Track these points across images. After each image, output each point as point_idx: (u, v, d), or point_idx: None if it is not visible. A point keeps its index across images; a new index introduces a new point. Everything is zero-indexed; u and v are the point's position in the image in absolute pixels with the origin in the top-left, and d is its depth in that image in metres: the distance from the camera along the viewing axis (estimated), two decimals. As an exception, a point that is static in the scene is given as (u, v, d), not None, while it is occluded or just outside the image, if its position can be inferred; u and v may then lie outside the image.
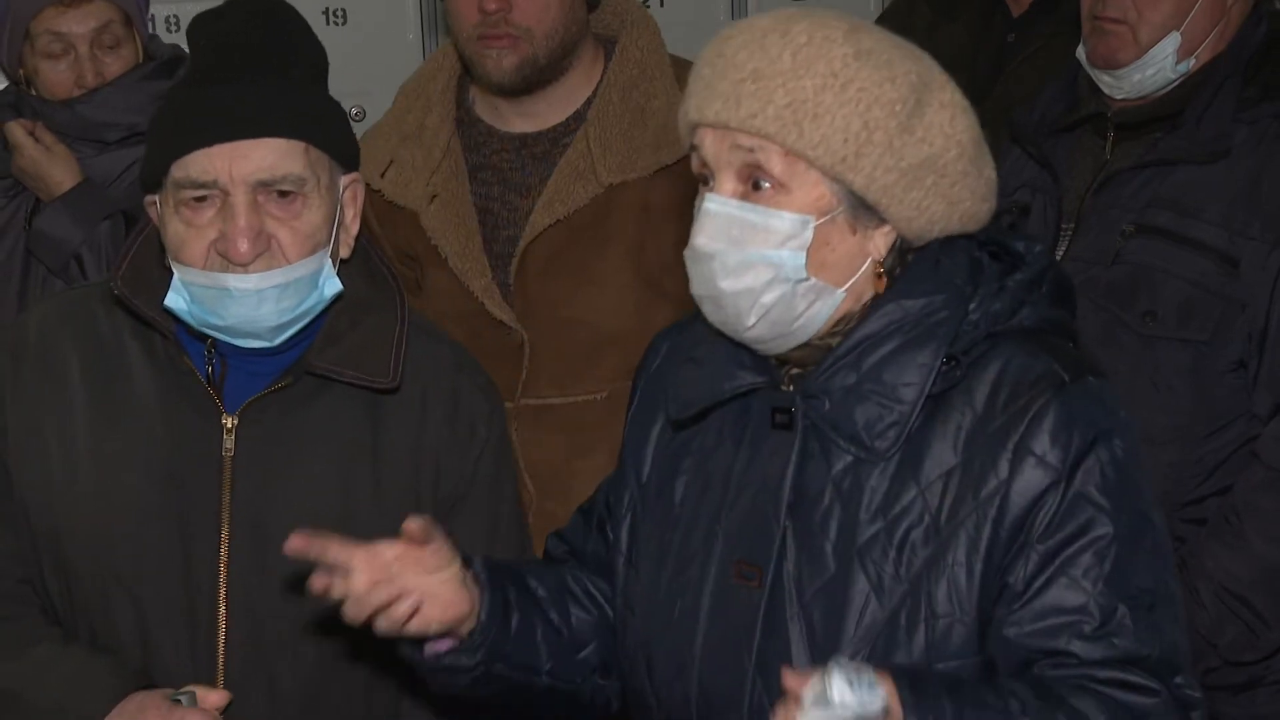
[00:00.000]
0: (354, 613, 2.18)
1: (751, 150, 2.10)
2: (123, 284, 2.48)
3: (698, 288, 2.16)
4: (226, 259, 2.37)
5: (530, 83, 3.26)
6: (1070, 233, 3.25)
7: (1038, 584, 2.07)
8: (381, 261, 2.60)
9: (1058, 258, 3.16)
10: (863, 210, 2.11)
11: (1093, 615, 2.05)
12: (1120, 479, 2.08)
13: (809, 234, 2.10)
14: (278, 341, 2.45)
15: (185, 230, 2.40)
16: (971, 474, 2.09)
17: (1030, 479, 2.07)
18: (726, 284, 2.12)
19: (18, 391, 2.51)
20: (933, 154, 2.11)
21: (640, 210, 3.26)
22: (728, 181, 2.13)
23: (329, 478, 2.47)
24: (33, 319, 2.59)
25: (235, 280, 2.37)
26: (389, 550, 2.18)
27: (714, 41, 2.16)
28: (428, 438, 2.52)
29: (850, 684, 1.89)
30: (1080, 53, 3.29)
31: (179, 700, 2.40)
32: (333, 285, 2.46)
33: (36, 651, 2.47)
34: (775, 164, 2.09)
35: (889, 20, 4.01)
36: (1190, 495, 3.15)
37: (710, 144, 2.13)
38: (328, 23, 4.56)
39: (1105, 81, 3.24)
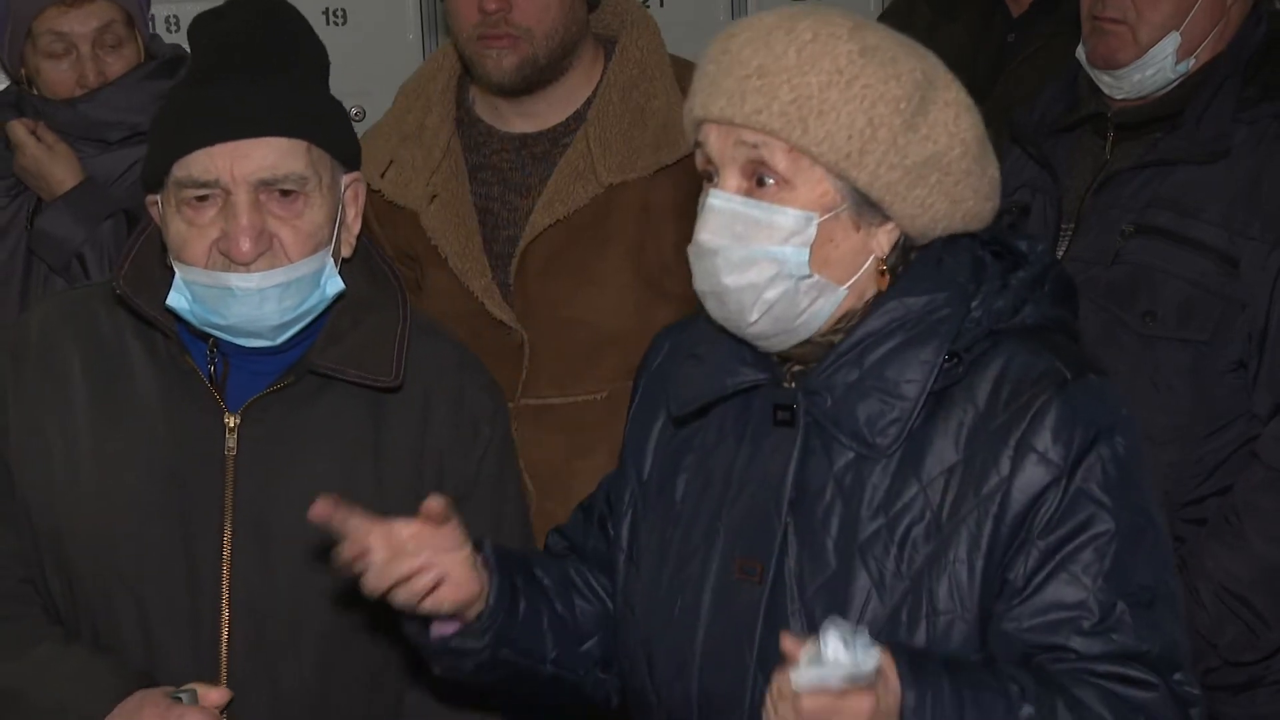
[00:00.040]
0: (375, 583, 2.17)
1: (756, 146, 2.11)
2: (124, 283, 2.48)
3: (701, 283, 2.17)
4: (228, 258, 2.37)
5: (530, 83, 3.26)
6: (1070, 233, 3.25)
7: (1038, 580, 2.07)
8: (383, 260, 2.60)
9: (1058, 258, 3.16)
10: (866, 207, 2.12)
11: (1092, 611, 2.06)
12: (1122, 476, 2.09)
13: (812, 230, 2.11)
14: (280, 341, 2.45)
15: (187, 230, 2.40)
16: (973, 471, 2.10)
17: (1032, 476, 2.08)
18: (730, 280, 2.13)
19: (19, 391, 2.51)
20: (937, 152, 2.11)
21: (640, 210, 3.26)
22: (732, 177, 2.13)
23: (331, 477, 2.47)
24: (34, 319, 2.59)
25: (237, 279, 2.38)
26: (405, 528, 2.18)
27: (719, 38, 2.17)
28: (431, 437, 2.52)
29: (845, 643, 1.89)
30: (1080, 53, 3.29)
31: (179, 698, 2.39)
32: (334, 284, 2.46)
33: (38, 651, 2.46)
34: (779, 160, 2.10)
35: (889, 20, 4.01)
36: (1190, 495, 3.15)
37: (715, 140, 2.14)
38: (328, 23, 4.57)
39: (1105, 81, 3.24)
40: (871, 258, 2.15)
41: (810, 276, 2.12)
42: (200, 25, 2.47)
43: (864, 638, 1.91)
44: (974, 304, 2.15)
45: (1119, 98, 3.24)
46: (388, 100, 3.49)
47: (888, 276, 2.16)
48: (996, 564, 2.09)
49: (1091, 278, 3.13)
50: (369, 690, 2.54)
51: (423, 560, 2.18)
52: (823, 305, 2.14)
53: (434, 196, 3.33)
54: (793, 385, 2.20)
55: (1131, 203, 3.18)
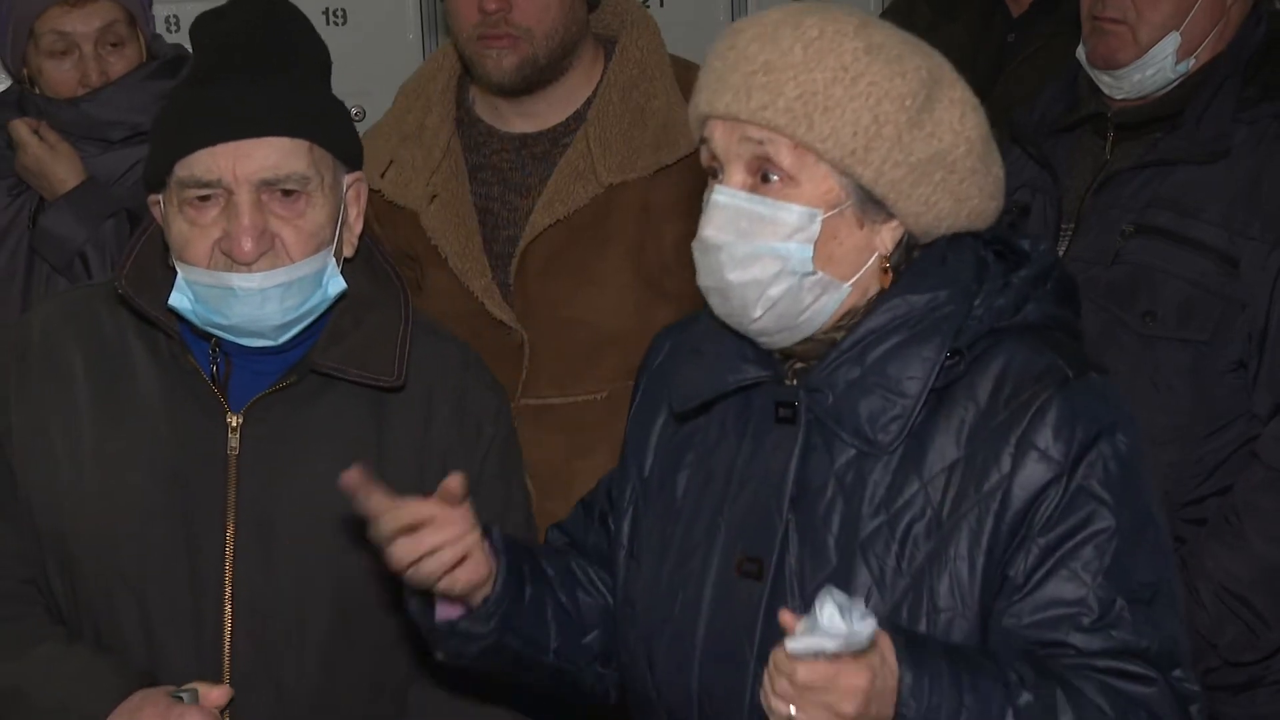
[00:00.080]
0: (404, 553, 2.16)
1: (761, 143, 2.11)
2: (127, 283, 2.48)
3: (704, 279, 2.17)
4: (230, 258, 2.38)
5: (530, 83, 3.26)
6: (1070, 233, 3.25)
7: (1038, 576, 2.08)
8: (385, 260, 2.61)
9: (1059, 257, 3.16)
10: (871, 204, 2.12)
11: (1091, 608, 2.06)
12: (1123, 474, 2.09)
13: (817, 227, 2.11)
14: (282, 340, 2.46)
15: (189, 229, 2.40)
16: (974, 468, 2.10)
17: (1032, 473, 2.08)
18: (734, 275, 2.13)
19: (22, 391, 2.51)
20: (941, 149, 2.12)
21: (640, 210, 3.26)
22: (737, 173, 2.14)
23: (334, 476, 2.44)
24: (36, 319, 2.59)
25: (239, 279, 2.38)
26: (425, 509, 2.17)
27: (726, 34, 2.17)
28: (433, 436, 2.53)
29: (841, 610, 1.89)
30: (1080, 53, 3.29)
31: (180, 697, 2.39)
32: (336, 284, 2.47)
33: (40, 651, 2.47)
34: (784, 156, 2.10)
35: (889, 20, 4.00)
36: (1190, 495, 3.15)
37: (720, 136, 2.15)
38: (328, 23, 4.57)
39: (1105, 81, 3.24)
40: (875, 255, 2.15)
41: (814, 274, 2.12)
42: (202, 25, 2.48)
43: (861, 608, 1.91)
44: (976, 302, 2.15)
45: (1119, 98, 3.24)
46: (388, 100, 3.49)
47: (890, 274, 2.16)
48: (997, 561, 2.09)
49: (1091, 278, 3.13)
50: (372, 689, 2.54)
51: (448, 535, 2.17)
52: (826, 302, 2.14)
53: (434, 196, 3.33)
54: (794, 382, 2.20)
55: (1131, 203, 3.18)
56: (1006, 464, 2.09)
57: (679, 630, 2.23)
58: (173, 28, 4.34)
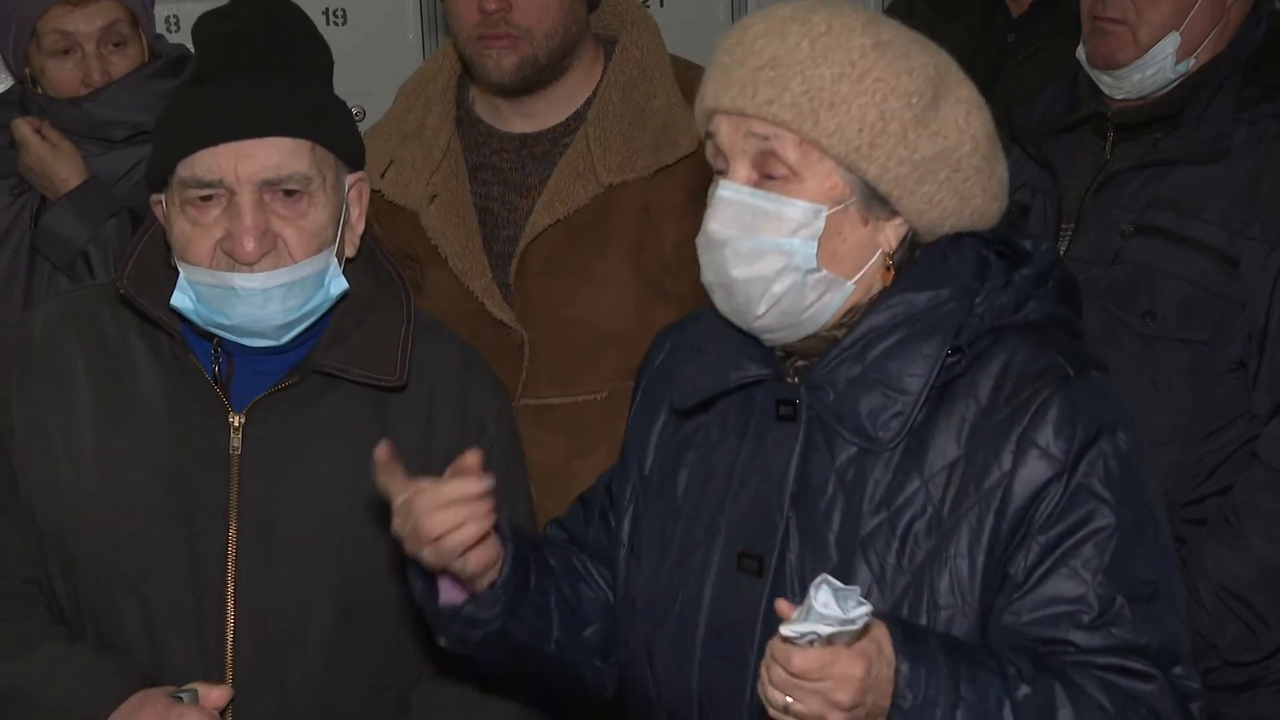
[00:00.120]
0: (436, 524, 2.13)
1: (766, 138, 2.12)
2: (128, 283, 2.48)
3: (708, 274, 2.18)
4: (232, 258, 2.38)
5: (530, 83, 3.26)
6: (1070, 233, 3.25)
7: (1038, 574, 2.08)
8: (387, 260, 2.61)
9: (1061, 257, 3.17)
10: (875, 201, 2.13)
11: (1091, 606, 2.07)
12: (1123, 472, 2.10)
13: (821, 223, 2.12)
14: (284, 340, 2.46)
15: (191, 229, 2.40)
16: (975, 466, 2.11)
17: (1033, 470, 2.08)
18: (738, 271, 2.14)
19: (23, 391, 2.51)
20: (947, 148, 2.13)
21: (640, 210, 3.26)
22: (742, 169, 2.14)
23: (336, 475, 2.47)
24: (37, 318, 2.59)
25: (241, 279, 2.38)
26: (449, 489, 2.16)
27: (734, 30, 2.18)
28: (436, 436, 2.52)
29: (835, 595, 1.89)
30: (1080, 53, 3.30)
31: (180, 698, 2.39)
32: (338, 284, 2.47)
33: (41, 651, 2.47)
34: (790, 152, 2.11)
35: (888, 20, 4.01)
36: (1190, 495, 3.16)
37: (726, 131, 2.15)
38: (328, 23, 4.57)
39: (1105, 81, 3.25)
40: (878, 252, 2.16)
41: (818, 270, 2.13)
42: (204, 25, 2.47)
43: (855, 593, 1.91)
44: (977, 300, 2.16)
45: (1119, 98, 3.24)
46: (388, 100, 3.49)
47: (893, 272, 2.16)
48: (997, 559, 2.09)
49: (1091, 278, 3.13)
50: (375, 689, 2.54)
51: (468, 512, 2.15)
52: (830, 300, 2.15)
53: (434, 196, 3.33)
54: (796, 380, 2.21)
55: (1131, 203, 3.18)
56: (1007, 462, 2.09)
57: (679, 628, 2.23)
58: (173, 28, 4.34)
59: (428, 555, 2.16)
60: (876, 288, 2.17)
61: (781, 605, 1.93)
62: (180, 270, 2.43)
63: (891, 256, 2.16)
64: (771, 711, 1.95)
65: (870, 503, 2.13)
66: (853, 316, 2.17)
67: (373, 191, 3.06)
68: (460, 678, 2.53)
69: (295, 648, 2.47)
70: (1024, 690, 2.02)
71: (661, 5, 4.85)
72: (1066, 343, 2.19)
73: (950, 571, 2.10)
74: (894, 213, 2.14)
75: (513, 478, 2.63)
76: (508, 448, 2.61)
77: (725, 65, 2.15)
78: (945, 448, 2.12)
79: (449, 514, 2.13)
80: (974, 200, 2.16)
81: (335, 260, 2.46)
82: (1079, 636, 2.07)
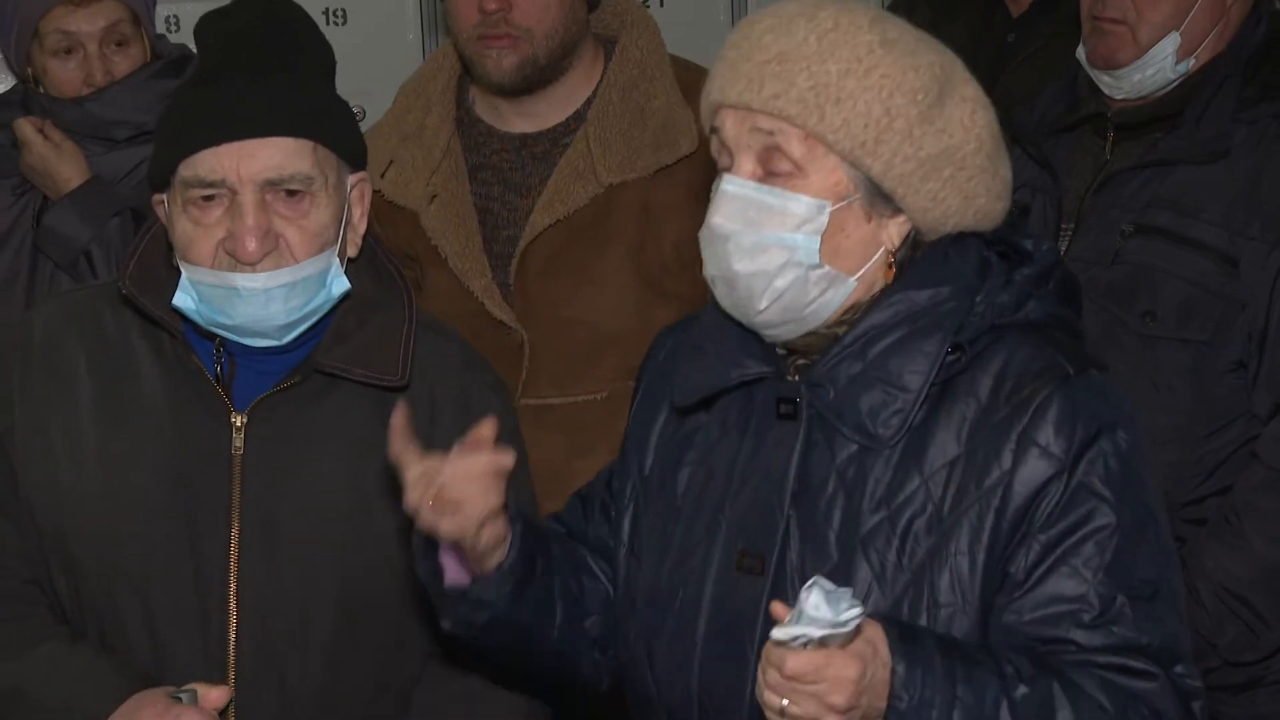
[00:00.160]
0: (459, 492, 2.12)
1: (772, 133, 2.12)
2: (130, 283, 2.48)
3: (711, 268, 2.18)
4: (234, 258, 2.38)
5: (530, 83, 3.27)
6: (1070, 233, 3.25)
7: (1039, 573, 2.08)
8: (389, 260, 2.61)
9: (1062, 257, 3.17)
10: (879, 198, 2.13)
11: (1092, 604, 2.07)
12: (1124, 471, 2.10)
13: (824, 218, 2.12)
14: (286, 340, 2.46)
15: (193, 229, 2.40)
16: (975, 464, 2.11)
17: (1033, 469, 2.09)
18: (740, 265, 2.14)
19: (25, 391, 2.51)
20: (951, 146, 2.13)
21: (640, 210, 3.26)
22: (747, 163, 2.15)
23: (339, 475, 2.48)
24: (38, 318, 2.59)
25: (243, 279, 2.38)
26: (479, 461, 2.15)
27: (741, 25, 2.19)
28: (438, 436, 2.50)
29: (827, 597, 1.90)
30: (1080, 53, 3.30)
31: (179, 698, 2.39)
32: (340, 284, 2.47)
33: (42, 651, 2.46)
34: (795, 147, 2.12)
35: (889, 19, 4.01)
36: (1190, 495, 3.16)
37: (731, 126, 2.16)
38: (328, 22, 4.57)
39: (1105, 81, 3.25)
40: (881, 250, 2.16)
41: (820, 267, 2.13)
42: (206, 25, 2.48)
43: (847, 595, 1.91)
44: (978, 298, 2.16)
45: (1119, 98, 3.24)
46: (388, 100, 3.49)
47: (894, 270, 2.17)
48: (998, 557, 2.09)
49: (1091, 278, 3.13)
50: (376, 689, 2.54)
51: (494, 483, 2.14)
52: (832, 296, 2.15)
53: (434, 196, 3.33)
54: (796, 378, 2.21)
55: (1131, 203, 3.18)
56: (1007, 460, 2.09)
57: (679, 627, 2.23)
58: (173, 28, 4.34)
59: (446, 525, 2.14)
60: (878, 285, 2.17)
61: (776, 608, 1.94)
62: (182, 270, 2.43)
63: (894, 254, 2.16)
64: (768, 714, 1.96)
65: (870, 501, 2.13)
66: (854, 314, 2.17)
67: (373, 191, 3.07)
68: (463, 672, 2.53)
69: (297, 647, 2.47)
70: (1022, 690, 2.02)
71: (661, 5, 4.85)
72: (1066, 342, 2.19)
73: (950, 569, 2.10)
74: (897, 210, 2.15)
75: (516, 476, 2.62)
76: (510, 447, 2.61)
77: (731, 60, 2.16)
78: (945, 446, 2.12)
79: (476, 484, 2.13)
80: (978, 199, 2.17)
81: (337, 260, 2.46)
82: (1080, 635, 2.07)
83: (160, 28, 3.91)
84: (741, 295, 2.16)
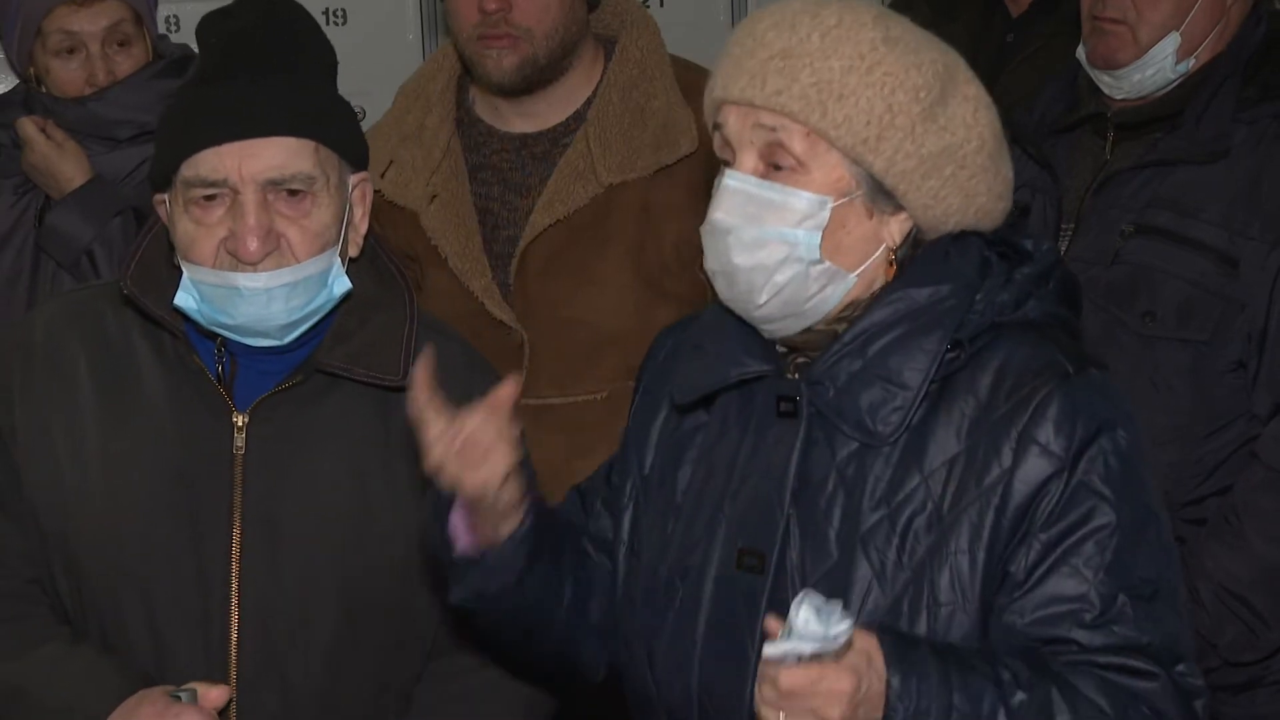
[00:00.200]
0: (488, 436, 2.13)
1: (774, 129, 2.13)
2: (132, 283, 2.48)
3: (711, 262, 2.19)
4: (236, 258, 2.38)
5: (530, 83, 3.27)
6: (1070, 233, 3.25)
7: (1039, 573, 2.09)
8: (390, 260, 2.61)
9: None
10: (880, 195, 2.14)
11: (1093, 604, 2.07)
12: (1124, 470, 2.10)
13: (826, 214, 2.13)
14: (287, 340, 2.46)
15: (195, 229, 2.40)
16: (975, 462, 2.11)
17: (1033, 467, 2.09)
18: (740, 259, 2.14)
19: (26, 391, 2.51)
20: (953, 144, 2.14)
21: (640, 210, 3.26)
22: (749, 159, 2.15)
23: (340, 475, 2.48)
24: (39, 318, 2.59)
25: (245, 279, 2.38)
26: (498, 417, 2.15)
27: (745, 22, 2.20)
28: None
29: (817, 613, 1.90)
30: (1080, 53, 3.30)
31: (179, 697, 2.39)
32: (342, 284, 2.47)
33: (44, 651, 2.46)
34: (797, 143, 2.12)
35: (889, 19, 4.01)
36: (1190, 495, 3.16)
37: (734, 121, 2.16)
38: (328, 22, 4.57)
39: (1105, 81, 3.25)
40: (882, 247, 2.17)
41: (821, 262, 2.13)
42: (208, 25, 2.48)
43: (837, 609, 1.92)
44: (978, 296, 2.16)
45: (1119, 98, 3.24)
46: (388, 100, 3.49)
47: (895, 268, 2.17)
48: (998, 555, 2.10)
49: (1091, 278, 3.13)
50: (377, 689, 2.54)
51: (511, 439, 2.14)
52: (832, 292, 2.16)
53: (434, 196, 3.33)
54: (796, 376, 2.21)
55: (1131, 203, 3.18)
56: (1007, 458, 2.10)
57: (679, 626, 2.23)
58: (173, 28, 4.34)
59: (472, 479, 2.14)
60: (879, 283, 2.17)
61: (770, 623, 1.95)
62: (184, 270, 2.43)
63: (895, 252, 2.17)
64: None
65: (870, 499, 2.14)
66: (853, 311, 2.17)
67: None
68: (463, 672, 2.53)
69: (298, 647, 2.47)
70: (1019, 696, 2.02)
71: (661, 5, 4.85)
72: (1066, 341, 2.20)
73: (950, 567, 2.11)
74: (899, 208, 2.15)
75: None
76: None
77: (735, 56, 2.16)
78: (945, 443, 2.13)
79: (503, 438, 2.13)
80: (979, 198, 2.17)
81: (338, 260, 2.47)
82: (1081, 635, 2.07)
83: (160, 28, 3.91)
84: (741, 289, 2.16)
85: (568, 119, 3.33)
